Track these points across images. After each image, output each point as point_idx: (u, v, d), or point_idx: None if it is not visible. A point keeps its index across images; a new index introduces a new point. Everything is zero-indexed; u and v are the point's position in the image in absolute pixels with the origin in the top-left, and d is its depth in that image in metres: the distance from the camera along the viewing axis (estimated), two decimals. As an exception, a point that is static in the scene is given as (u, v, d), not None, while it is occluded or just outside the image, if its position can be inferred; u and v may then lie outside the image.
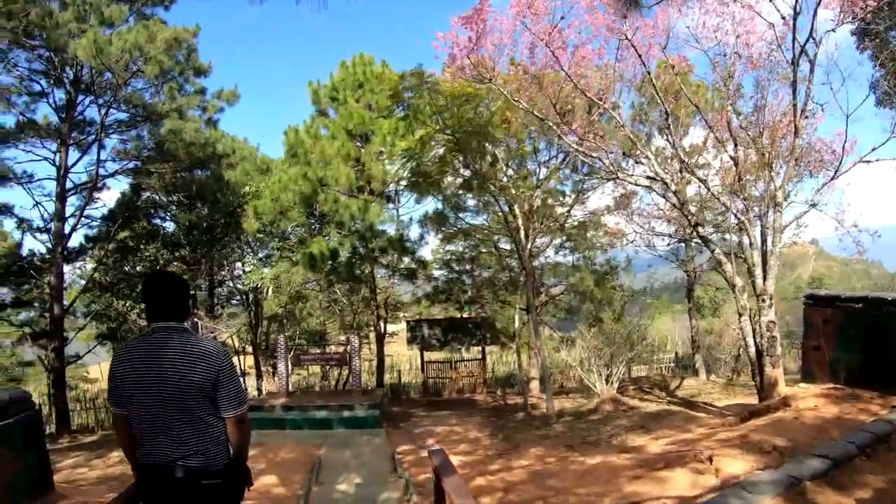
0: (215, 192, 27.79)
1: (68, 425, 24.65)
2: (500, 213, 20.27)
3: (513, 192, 18.64)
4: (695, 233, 15.29)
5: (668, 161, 18.87)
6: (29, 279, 27.00)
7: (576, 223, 24.39)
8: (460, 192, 21.47)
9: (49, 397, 26.11)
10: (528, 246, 19.52)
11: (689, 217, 14.97)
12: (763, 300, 13.51)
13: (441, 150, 18.47)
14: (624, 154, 16.24)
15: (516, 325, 23.35)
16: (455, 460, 14.29)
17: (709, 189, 14.97)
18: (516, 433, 16.76)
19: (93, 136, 24.89)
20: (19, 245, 27.45)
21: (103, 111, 24.34)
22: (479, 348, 28.07)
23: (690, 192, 20.54)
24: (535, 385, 23.49)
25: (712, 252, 14.67)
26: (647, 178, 15.22)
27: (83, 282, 28.89)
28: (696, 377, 24.67)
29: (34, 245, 27.77)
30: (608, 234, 23.85)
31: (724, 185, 15.79)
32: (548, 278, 25.85)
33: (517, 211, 18.64)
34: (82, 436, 23.42)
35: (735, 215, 14.36)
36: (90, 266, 28.73)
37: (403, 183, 23.46)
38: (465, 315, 29.41)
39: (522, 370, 23.78)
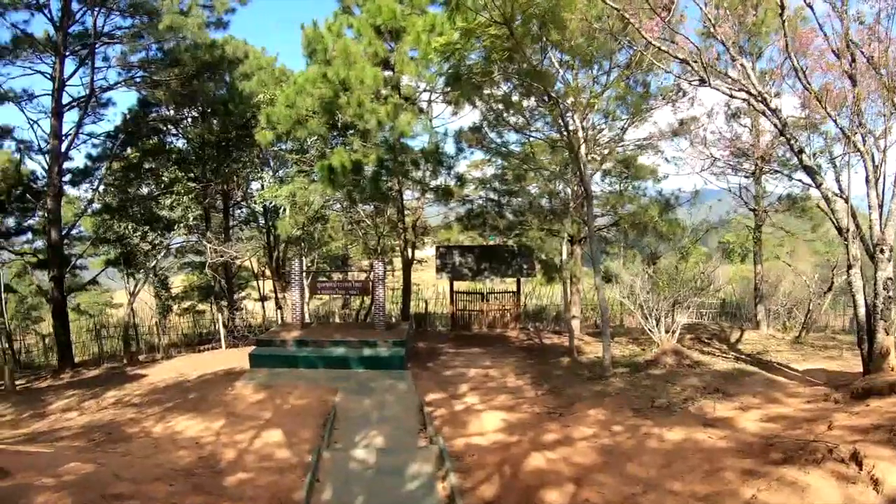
0: (226, 102, 25.37)
1: (71, 359, 23.08)
2: (557, 124, 17.43)
3: (571, 99, 15.69)
4: (799, 160, 12.39)
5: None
6: (31, 204, 25.67)
7: (630, 146, 21.53)
8: (509, 95, 18.31)
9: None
10: (590, 164, 16.69)
11: (793, 142, 12.09)
12: (881, 250, 10.77)
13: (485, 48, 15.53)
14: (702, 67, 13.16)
15: (563, 255, 20.72)
16: (496, 418, 12.05)
17: (824, 107, 11.95)
18: (565, 385, 14.43)
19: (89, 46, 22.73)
20: (18, 168, 25.63)
21: (99, 16, 22.26)
22: (514, 280, 25.60)
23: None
24: (575, 324, 20.94)
25: (818, 187, 11.87)
26: (742, 91, 12.30)
27: (97, 205, 27.17)
28: (758, 329, 21.99)
29: (34, 168, 25.62)
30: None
31: (827, 111, 12.65)
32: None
33: (577, 122, 15.72)
34: (86, 369, 21.83)
35: (854, 144, 11.41)
36: (92, 188, 26.95)
37: (439, 87, 20.60)
38: (498, 243, 26.89)
39: (568, 308, 21.19)
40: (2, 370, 19.99)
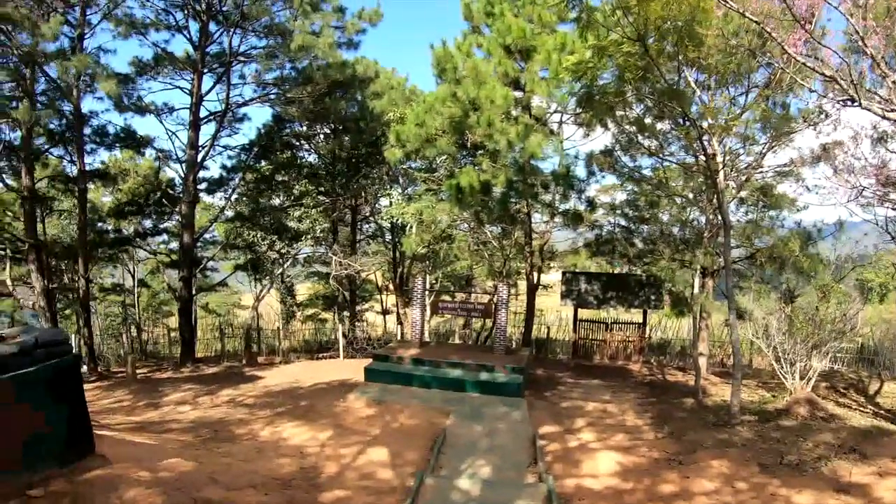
0: (358, 120, 25.90)
1: (193, 354, 24.35)
2: (692, 148, 16.56)
3: (709, 121, 14.71)
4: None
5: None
6: (168, 208, 27.61)
7: (769, 173, 20.11)
8: (642, 117, 17.49)
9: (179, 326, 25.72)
10: (726, 191, 15.63)
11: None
12: None
13: (618, 67, 14.87)
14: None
15: (695, 289, 19.58)
16: (611, 460, 11.23)
17: None
18: (687, 428, 13.40)
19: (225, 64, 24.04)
20: (157, 175, 28.17)
21: (234, 36, 23.65)
22: (639, 311, 24.53)
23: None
24: (702, 362, 19.65)
25: None
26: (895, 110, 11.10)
27: (229, 213, 28.78)
28: (900, 381, 19.93)
29: (172, 175, 27.45)
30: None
31: None
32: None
33: (715, 146, 14.73)
34: (206, 366, 22.70)
35: None
36: (225, 196, 28.34)
37: (570, 108, 20.05)
38: (625, 271, 25.90)
39: (695, 345, 19.95)
40: (125, 358, 21.12)
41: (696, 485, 9.16)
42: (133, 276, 34.04)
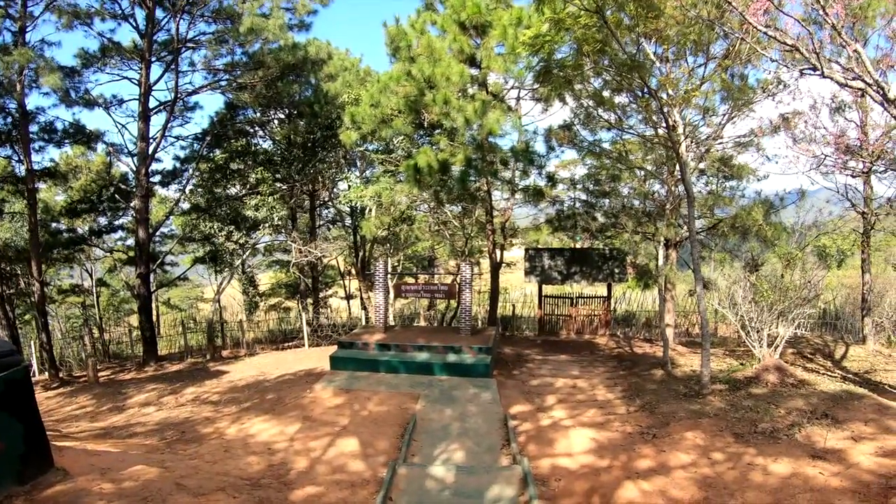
0: (312, 103, 25.46)
1: (155, 352, 23.83)
2: (652, 121, 16.47)
3: (668, 92, 14.58)
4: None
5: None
6: (121, 204, 27.09)
7: (729, 144, 20.16)
8: (600, 91, 17.31)
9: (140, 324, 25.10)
10: (689, 162, 15.52)
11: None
12: None
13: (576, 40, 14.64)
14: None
15: (660, 260, 19.57)
16: (585, 437, 11.11)
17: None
18: (659, 401, 13.40)
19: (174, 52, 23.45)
20: (109, 170, 27.52)
21: (182, 23, 23.03)
22: (603, 284, 24.56)
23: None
24: (669, 333, 19.70)
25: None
26: (857, 80, 11.08)
27: (185, 205, 28.32)
28: (863, 345, 20.15)
29: (124, 169, 26.82)
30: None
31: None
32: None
33: (676, 117, 14.62)
34: (169, 363, 22.33)
35: None
36: (180, 188, 27.77)
37: (528, 84, 19.88)
38: (587, 246, 25.88)
39: (662, 316, 19.96)
40: (86, 362, 20.60)
41: (672, 458, 9.11)
42: (91, 276, 33.26)
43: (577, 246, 26.78)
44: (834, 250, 36.17)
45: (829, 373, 15.50)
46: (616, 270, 23.15)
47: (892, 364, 16.62)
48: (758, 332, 15.52)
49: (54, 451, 7.21)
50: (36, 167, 22.32)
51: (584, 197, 23.47)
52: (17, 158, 22.22)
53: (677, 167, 16.09)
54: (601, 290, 25.54)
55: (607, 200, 22.67)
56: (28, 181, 21.03)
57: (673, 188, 19.06)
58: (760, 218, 18.17)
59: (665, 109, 14.62)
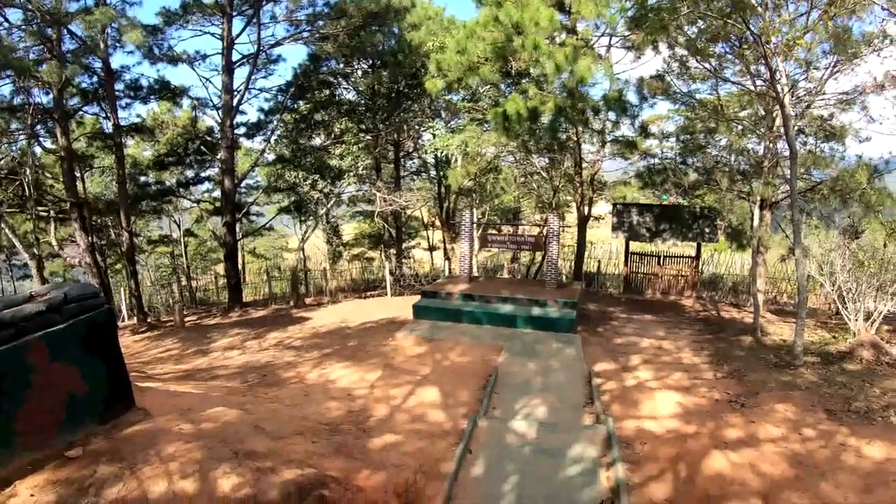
0: (395, 53, 25.07)
1: (240, 299, 24.55)
2: (750, 73, 15.60)
3: (772, 39, 13.64)
4: None
5: None
6: (207, 156, 27.86)
7: (831, 100, 18.90)
8: (695, 39, 16.39)
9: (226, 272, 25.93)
10: (794, 116, 14.61)
11: None
12: None
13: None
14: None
15: (755, 221, 18.67)
16: (671, 401, 10.67)
17: None
18: (747, 369, 12.83)
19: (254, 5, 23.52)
20: (194, 123, 28.15)
21: None
22: (692, 244, 23.83)
23: None
24: (759, 299, 18.87)
25: None
26: None
27: (271, 156, 29.06)
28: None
29: (210, 123, 27.45)
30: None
31: None
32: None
33: (780, 65, 13.73)
34: (254, 310, 22.87)
35: None
36: (265, 139, 28.01)
37: (619, 31, 19.17)
38: (676, 202, 25.04)
39: (755, 281, 19.08)
40: (173, 308, 21.34)
41: (761, 430, 8.70)
42: (179, 227, 34.33)
43: (663, 202, 25.98)
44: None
45: (926, 356, 14.66)
46: (706, 230, 22.31)
47: None
48: (855, 304, 14.77)
49: (137, 392, 7.35)
50: (123, 123, 22.99)
51: (676, 151, 22.63)
52: (104, 115, 22.91)
53: (777, 122, 15.24)
54: (688, 249, 24.77)
55: (700, 156, 21.74)
56: (115, 136, 21.65)
57: (771, 145, 18.10)
58: (864, 181, 17.03)
59: (767, 58, 13.77)
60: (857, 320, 14.54)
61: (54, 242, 22.76)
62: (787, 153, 15.64)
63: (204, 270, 35.43)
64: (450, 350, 14.21)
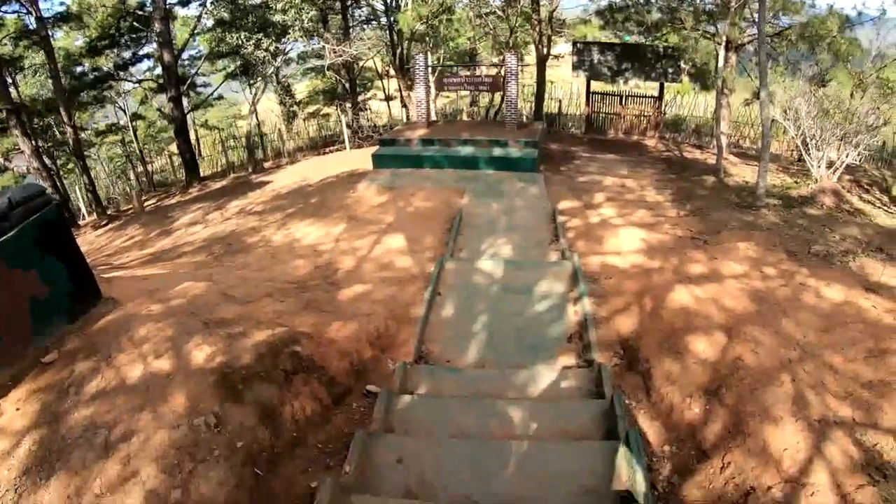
0: None
1: (197, 173, 23.98)
2: None
3: None
4: None
5: None
6: (142, 32, 26.35)
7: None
8: None
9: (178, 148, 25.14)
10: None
11: None
12: None
13: None
14: None
15: (720, 62, 18.25)
16: (635, 237, 10.71)
17: None
18: (710, 208, 12.94)
19: None
20: (122, 1, 25.77)
21: None
22: (654, 84, 23.46)
23: None
24: (722, 141, 18.79)
25: None
26: None
27: (209, 22, 27.41)
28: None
29: None
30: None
31: None
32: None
33: None
34: (212, 182, 22.59)
35: None
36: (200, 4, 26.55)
37: None
38: (639, 42, 24.37)
39: (718, 123, 18.91)
40: (130, 194, 20.71)
41: (724, 266, 8.80)
42: (125, 112, 32.69)
43: (623, 41, 25.30)
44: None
45: (886, 208, 14.91)
46: (670, 70, 21.82)
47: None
48: (818, 151, 14.82)
49: (103, 283, 7.16)
50: (47, 15, 21.43)
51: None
52: (25, 11, 20.71)
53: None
54: (651, 90, 24.42)
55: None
56: (41, 30, 19.65)
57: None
58: (835, 29, 16.73)
59: None
60: (819, 167, 14.78)
61: (-1, 156, 21.56)
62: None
63: (158, 152, 34.25)
64: (412, 196, 14.10)
